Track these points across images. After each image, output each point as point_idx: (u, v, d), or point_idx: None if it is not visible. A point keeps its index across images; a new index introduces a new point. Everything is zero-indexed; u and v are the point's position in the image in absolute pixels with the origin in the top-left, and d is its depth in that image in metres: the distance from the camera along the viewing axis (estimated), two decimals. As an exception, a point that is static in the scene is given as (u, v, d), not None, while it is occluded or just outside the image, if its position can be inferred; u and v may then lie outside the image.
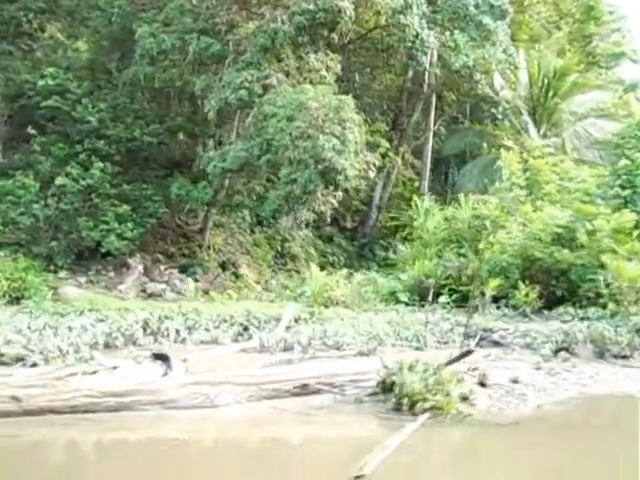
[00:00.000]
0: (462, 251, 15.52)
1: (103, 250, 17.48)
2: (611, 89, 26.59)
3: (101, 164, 17.80)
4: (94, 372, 9.72)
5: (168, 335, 12.39)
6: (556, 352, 11.17)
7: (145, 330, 12.51)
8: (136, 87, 19.02)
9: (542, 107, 23.55)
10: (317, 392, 9.11)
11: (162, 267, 19.69)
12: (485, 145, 25.98)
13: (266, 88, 16.38)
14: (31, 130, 18.19)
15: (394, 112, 26.72)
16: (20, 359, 10.29)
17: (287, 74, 16.76)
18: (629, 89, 28.92)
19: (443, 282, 15.26)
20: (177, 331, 12.53)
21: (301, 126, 15.32)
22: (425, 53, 20.54)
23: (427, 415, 7.96)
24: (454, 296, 14.76)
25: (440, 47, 20.84)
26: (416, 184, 26.88)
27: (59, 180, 17.33)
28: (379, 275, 18.09)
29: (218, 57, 16.70)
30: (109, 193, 17.99)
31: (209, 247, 21.13)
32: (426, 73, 24.78)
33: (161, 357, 10.43)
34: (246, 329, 12.95)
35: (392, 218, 24.11)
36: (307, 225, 24.47)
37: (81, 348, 10.74)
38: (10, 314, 13.59)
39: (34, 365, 10.10)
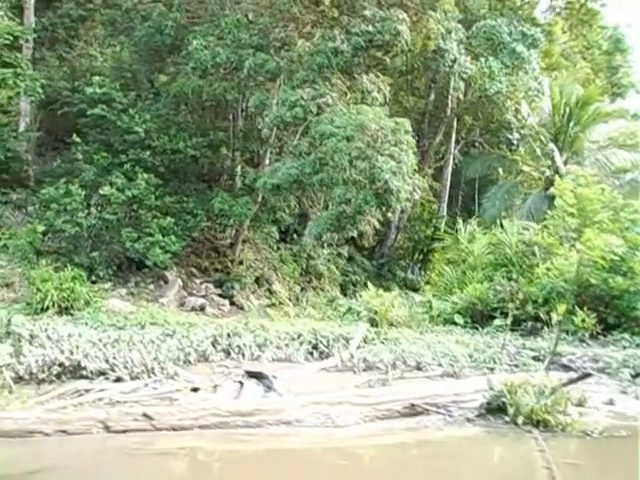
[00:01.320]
0: (513, 275, 15.76)
1: (149, 262, 17.28)
2: (625, 119, 27.31)
3: (146, 175, 17.67)
4: (196, 389, 9.72)
5: (242, 352, 12.34)
6: (635, 377, 11.43)
7: (215, 346, 12.43)
8: (179, 99, 18.97)
9: (564, 135, 24.11)
10: (423, 413, 9.23)
11: (197, 281, 19.61)
12: (501, 171, 26.60)
13: (320, 107, 16.49)
14: (76, 138, 17.92)
15: (417, 134, 27.03)
16: (102, 373, 10.20)
17: (338, 94, 16.90)
18: (635, 119, 29.78)
19: (495, 305, 15.53)
20: (249, 348, 12.51)
21: (360, 147, 15.46)
22: (462, 78, 20.87)
23: (538, 432, 8.19)
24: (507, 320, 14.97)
25: (476, 73, 21.14)
26: (434, 206, 27.20)
27: (106, 190, 17.12)
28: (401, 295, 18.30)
29: (271, 74, 16.77)
30: (152, 205, 17.83)
31: (240, 262, 21.10)
32: (449, 97, 25.29)
33: (254, 375, 10.45)
34: (315, 347, 12.98)
35: (436, 239, 24.23)
36: (330, 244, 24.63)
37: (166, 364, 10.66)
38: (70, 325, 13.39)
39: (118, 380, 10.00)
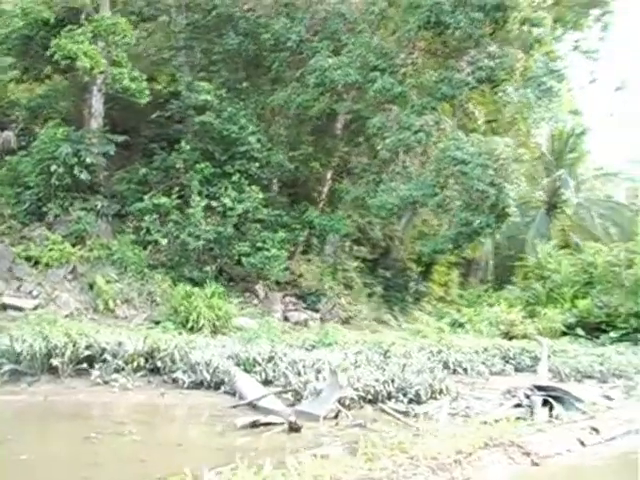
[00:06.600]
0: (614, 292, 17.70)
1: (271, 277, 17.07)
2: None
3: (256, 187, 17.43)
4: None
5: (462, 368, 12.97)
6: None
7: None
8: (273, 112, 18.81)
9: (561, 160, 26.86)
10: None
11: (279, 295, 19.42)
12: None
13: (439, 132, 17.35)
14: (184, 145, 17.17)
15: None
16: (390, 397, 10.27)
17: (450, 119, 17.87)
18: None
19: (601, 319, 17.42)
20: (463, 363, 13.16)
21: (492, 174, 16.47)
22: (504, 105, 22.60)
23: None
24: (620, 332, 16.92)
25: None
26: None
27: (225, 201, 16.69)
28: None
29: (394, 97, 17.26)
30: (258, 218, 17.59)
31: (300, 275, 21.14)
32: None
33: (543, 389, 11.20)
34: (506, 361, 13.97)
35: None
36: (357, 257, 25.23)
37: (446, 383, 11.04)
38: (255, 346, 12.74)
39: (411, 402, 10.10)
